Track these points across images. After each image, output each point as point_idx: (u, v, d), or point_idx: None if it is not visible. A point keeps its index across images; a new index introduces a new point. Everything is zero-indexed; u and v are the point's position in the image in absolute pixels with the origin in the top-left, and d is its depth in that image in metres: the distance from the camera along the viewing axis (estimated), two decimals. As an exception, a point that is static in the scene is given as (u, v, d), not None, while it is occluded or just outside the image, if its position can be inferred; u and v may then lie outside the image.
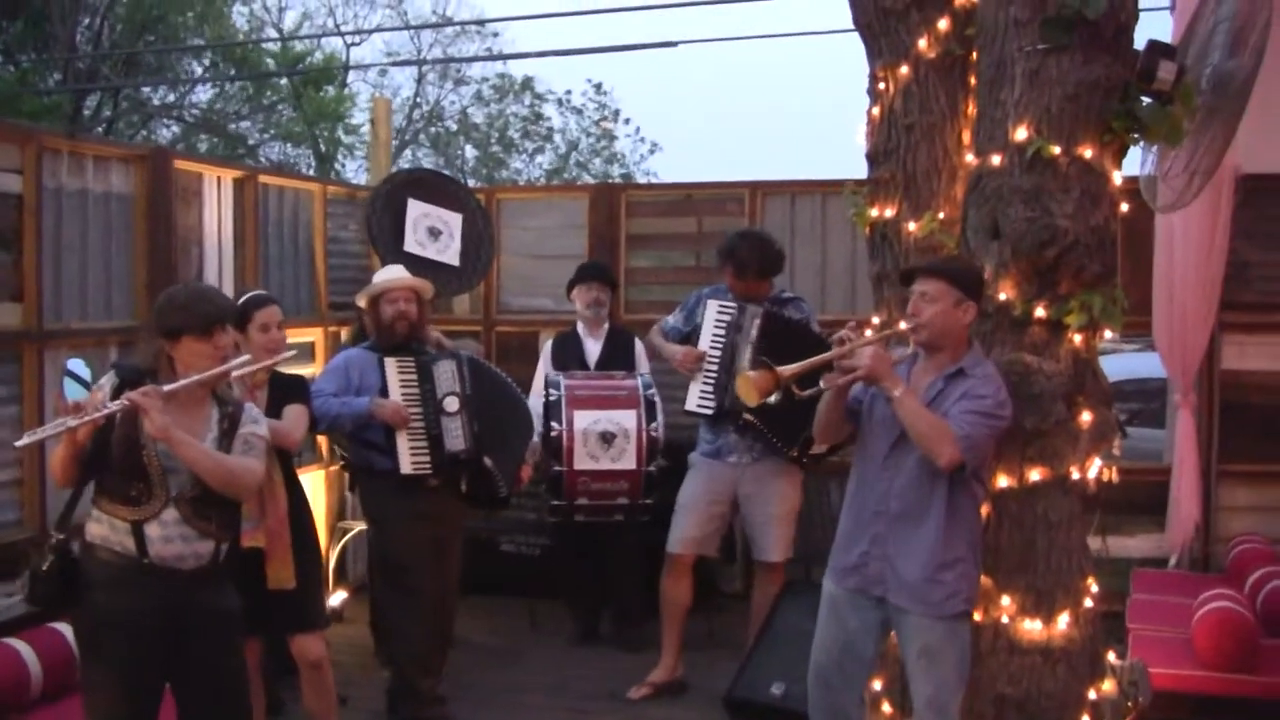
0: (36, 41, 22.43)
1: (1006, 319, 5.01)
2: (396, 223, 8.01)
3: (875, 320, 5.50)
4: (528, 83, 29.26)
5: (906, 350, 4.96)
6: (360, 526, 8.00)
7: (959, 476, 4.74)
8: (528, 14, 14.54)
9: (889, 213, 5.44)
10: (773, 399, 4.79)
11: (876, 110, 5.49)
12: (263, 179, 8.25)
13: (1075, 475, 5.06)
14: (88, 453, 4.39)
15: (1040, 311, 4.96)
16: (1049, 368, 4.96)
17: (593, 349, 7.95)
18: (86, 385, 7.91)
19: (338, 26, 28.85)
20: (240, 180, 7.95)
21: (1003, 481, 5.02)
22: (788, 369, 4.69)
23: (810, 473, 7.10)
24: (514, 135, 29.94)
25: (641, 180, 26.96)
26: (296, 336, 5.97)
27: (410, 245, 8.00)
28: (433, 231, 8.13)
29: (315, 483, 8.26)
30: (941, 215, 5.32)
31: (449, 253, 8.17)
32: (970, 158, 5.24)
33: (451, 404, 6.52)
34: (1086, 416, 5.06)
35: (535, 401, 7.65)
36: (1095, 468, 5.13)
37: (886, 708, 5.23)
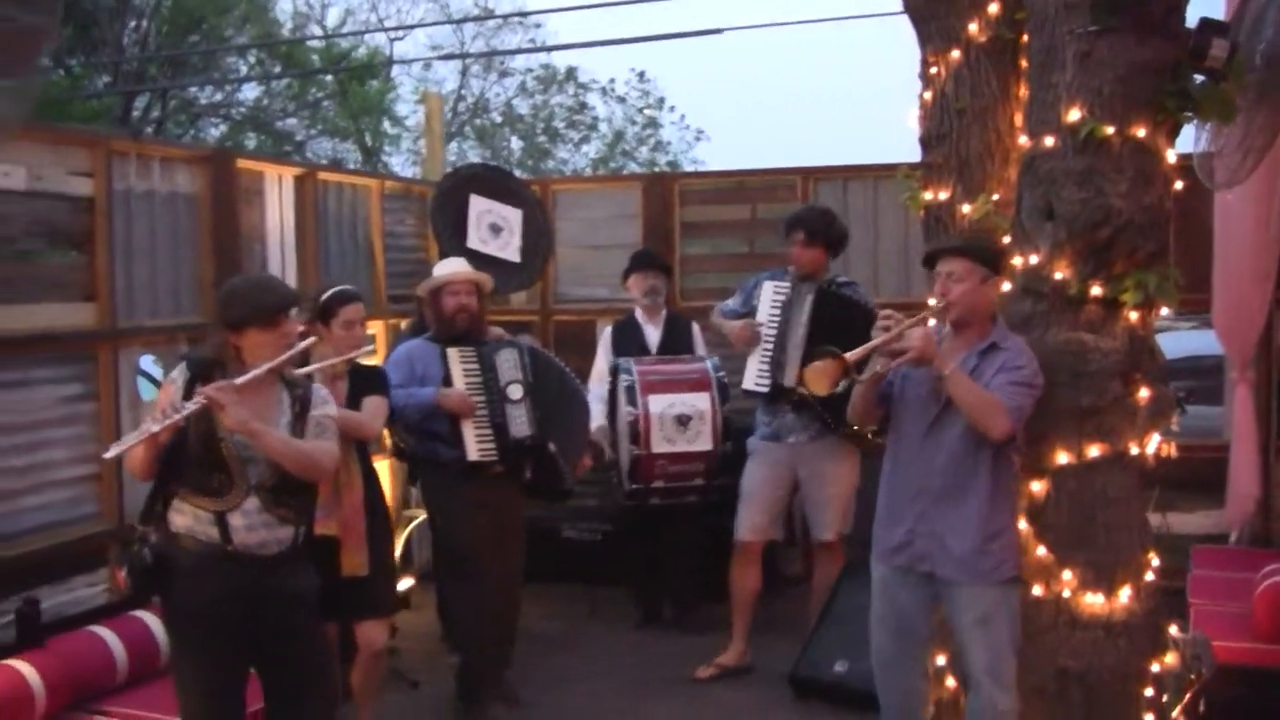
0: (85, 45, 22.66)
1: (1062, 298, 5.07)
2: (459, 219, 8.12)
3: (931, 302, 5.58)
4: (571, 73, 29.29)
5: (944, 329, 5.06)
6: (424, 515, 8.12)
7: (1001, 448, 4.90)
8: (569, 5, 14.57)
9: (943, 196, 5.52)
10: (841, 386, 4.84)
11: (929, 95, 5.56)
12: (321, 176, 8.39)
13: (1134, 451, 5.11)
14: (165, 448, 4.48)
15: (1096, 290, 5.01)
16: (1105, 345, 5.02)
17: (652, 335, 8.06)
18: (158, 383, 8.08)
19: (380, 21, 28.97)
20: (300, 178, 8.09)
21: (1061, 458, 5.08)
22: (852, 354, 4.77)
23: (869, 455, 7.18)
24: (559, 126, 29.97)
25: (688, 168, 26.99)
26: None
27: (473, 242, 8.12)
28: (494, 228, 8.24)
29: (380, 473, 8.37)
30: (995, 197, 5.38)
31: (510, 249, 8.27)
32: (1023, 140, 5.30)
33: (515, 391, 6.60)
34: (1144, 393, 5.11)
35: (598, 388, 7.78)
36: (1154, 444, 5.18)
37: (951, 682, 5.31)
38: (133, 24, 23.99)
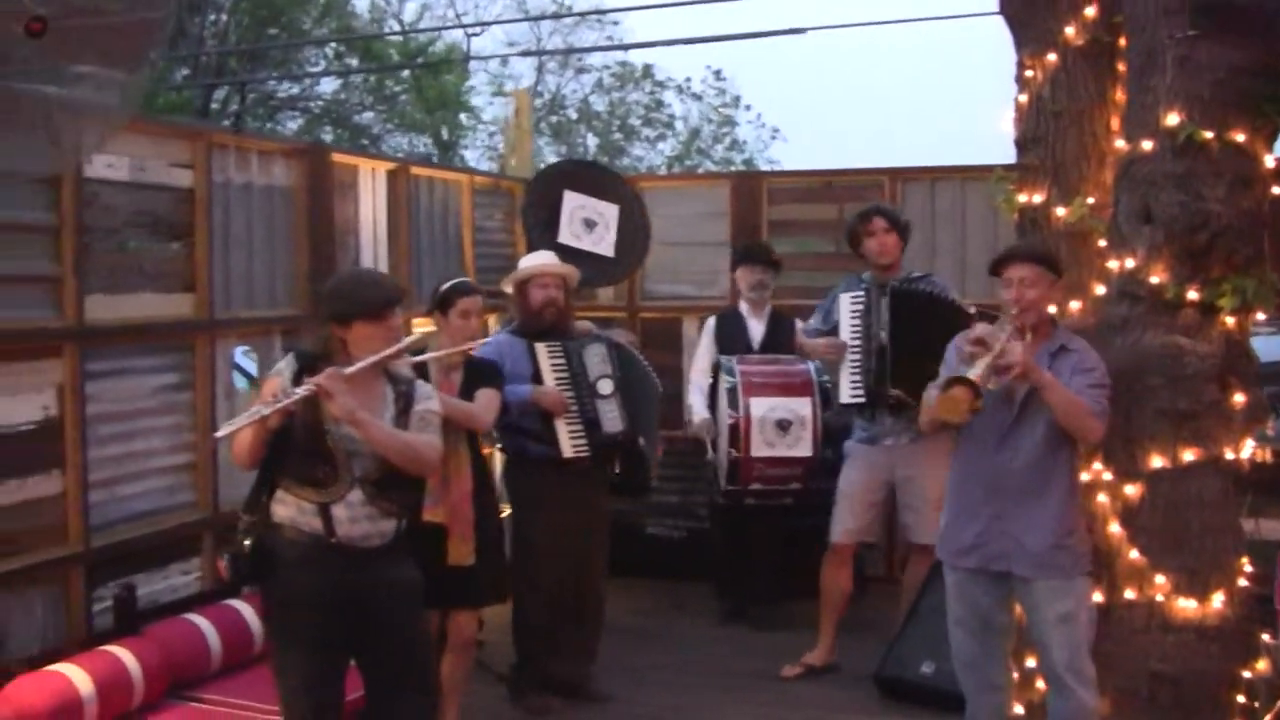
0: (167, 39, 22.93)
1: (1158, 302, 5.09)
2: (552, 215, 8.16)
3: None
4: (648, 70, 29.37)
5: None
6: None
7: (1075, 448, 4.98)
8: (647, 4, 14.56)
9: (1037, 198, 5.54)
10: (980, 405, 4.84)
11: (1024, 97, 5.58)
12: (414, 170, 8.45)
13: (1229, 456, 5.13)
14: (271, 437, 4.51)
15: (1192, 294, 5.04)
16: (1201, 349, 5.05)
17: (756, 330, 8.01)
18: (249, 376, 8.17)
19: (458, 17, 29.13)
20: (393, 172, 8.15)
21: (1156, 462, 5.11)
22: (977, 376, 4.74)
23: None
24: (635, 123, 30.05)
25: (764, 167, 26.94)
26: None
27: (565, 237, 8.15)
28: (588, 223, 8.26)
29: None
30: (1090, 200, 5.40)
31: (604, 244, 8.28)
32: (1119, 144, 5.32)
33: (605, 386, 6.61)
34: (1239, 397, 5.13)
35: (700, 379, 7.82)
36: (1249, 448, 5.19)
37: (1040, 685, 5.32)
38: (212, 18, 24.27)
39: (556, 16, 27.98)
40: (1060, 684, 4.97)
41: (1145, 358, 5.06)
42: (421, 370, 5.23)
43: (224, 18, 24.56)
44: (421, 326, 6.50)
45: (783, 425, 7.41)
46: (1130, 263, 5.14)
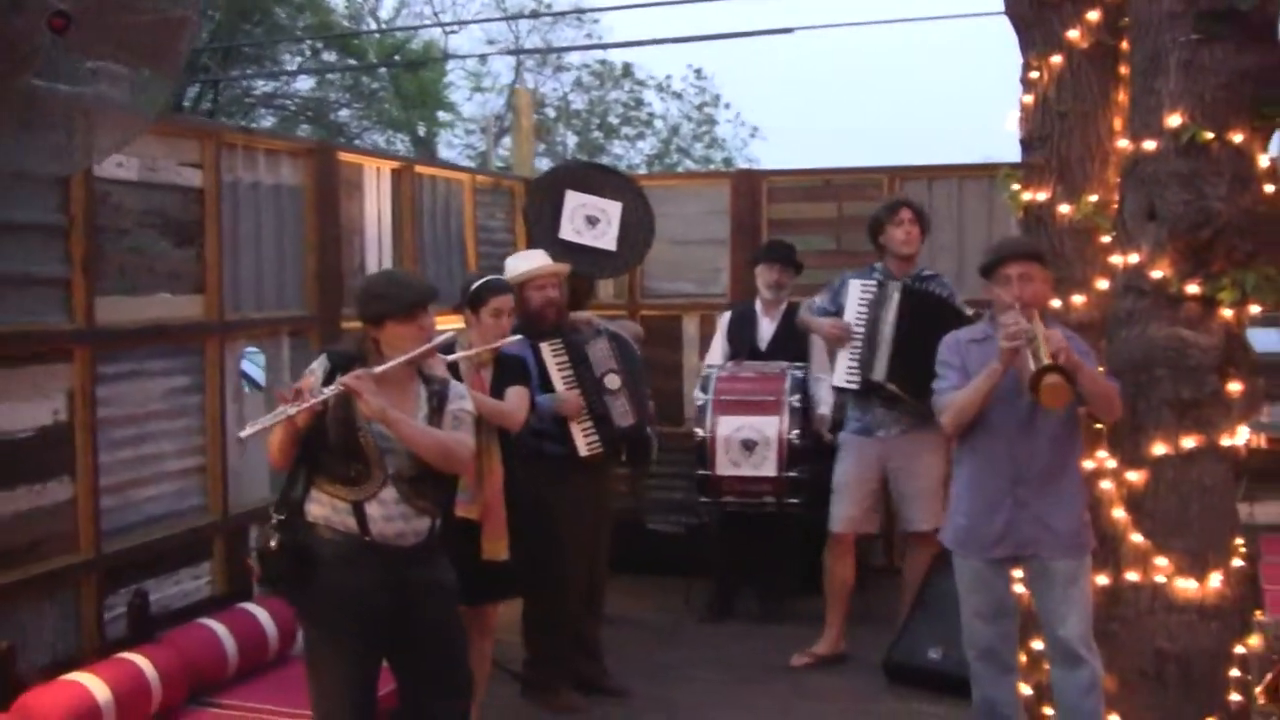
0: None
1: (1162, 296, 5.27)
2: (554, 213, 8.24)
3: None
4: (627, 69, 29.46)
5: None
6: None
7: (1081, 433, 5.23)
8: (626, 3, 14.67)
9: (1042, 196, 5.70)
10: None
11: (1030, 98, 5.74)
12: (418, 169, 8.49)
13: (1227, 442, 5.31)
14: (304, 435, 4.56)
15: (1194, 288, 5.21)
16: (1203, 341, 5.23)
17: (766, 330, 8.11)
18: (256, 385, 8.12)
19: (435, 15, 29.16)
20: (397, 171, 8.19)
21: (1159, 449, 5.28)
22: (1062, 361, 4.85)
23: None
24: (614, 121, 30.12)
25: (742, 165, 27.05)
26: (452, 323, 6.10)
27: (566, 233, 8.20)
28: (590, 220, 8.30)
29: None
30: (1094, 198, 5.58)
31: (605, 238, 8.31)
32: (1124, 143, 5.49)
33: (613, 381, 6.67)
34: (1236, 386, 5.31)
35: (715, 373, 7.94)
36: (1244, 435, 5.38)
37: (1047, 665, 5.49)
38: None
39: (535, 15, 28.04)
40: (1076, 658, 5.15)
41: (1151, 349, 5.24)
42: (453, 369, 5.29)
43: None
44: (443, 325, 6.57)
45: (748, 445, 7.53)
46: (1135, 258, 5.31)
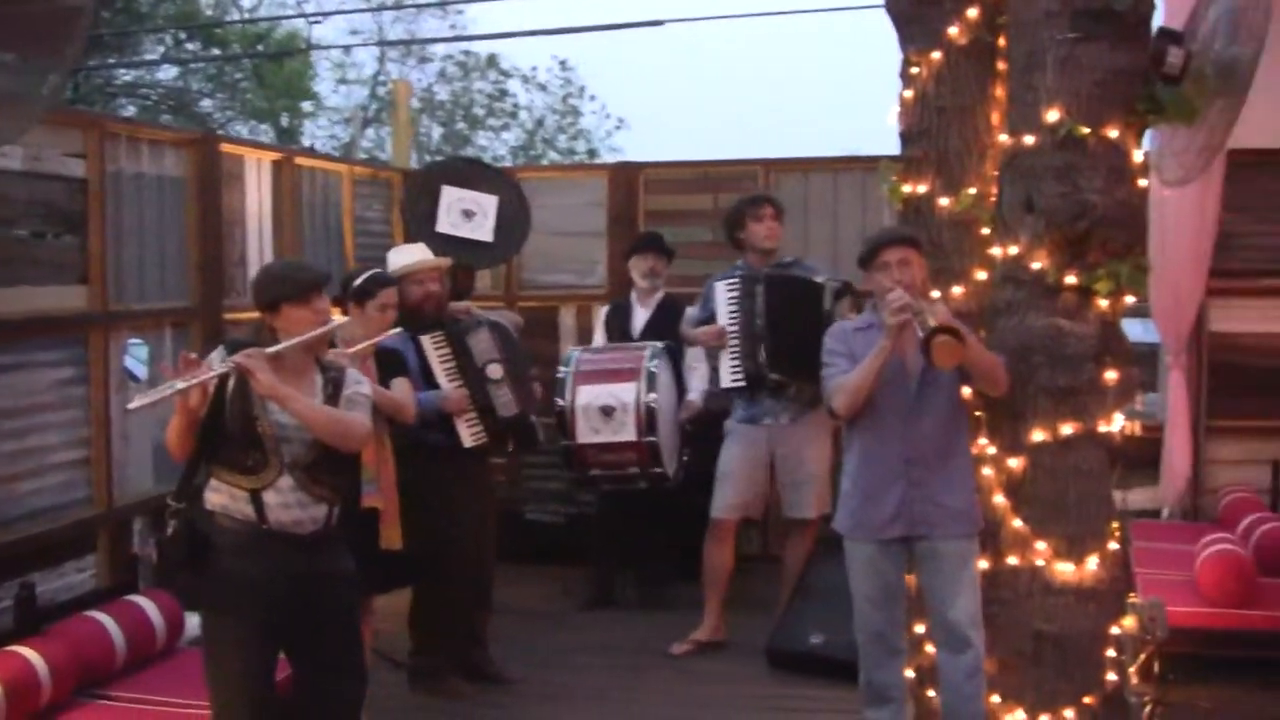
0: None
1: (1040, 286, 5.40)
2: (430, 207, 8.28)
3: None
4: (493, 60, 29.37)
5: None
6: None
7: (966, 408, 5.42)
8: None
9: (922, 189, 5.80)
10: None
11: (910, 93, 5.84)
12: (298, 161, 8.50)
13: (1104, 429, 5.47)
14: (202, 424, 4.56)
15: (1071, 279, 5.35)
16: (1080, 330, 5.37)
17: (640, 318, 8.24)
18: (137, 380, 8.07)
19: (299, 4, 28.84)
20: (278, 162, 8.20)
21: (1038, 435, 5.42)
22: (954, 324, 5.07)
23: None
24: (479, 112, 30.02)
25: (607, 157, 27.17)
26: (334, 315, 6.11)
27: (443, 227, 8.25)
28: (466, 213, 8.35)
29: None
30: (973, 191, 5.71)
31: (482, 230, 8.37)
32: (1002, 138, 5.61)
33: (495, 371, 6.73)
34: (1111, 375, 5.47)
35: None
36: (1120, 422, 5.56)
37: (930, 648, 5.64)
38: (45, -1, 23.61)
39: (399, 6, 27.83)
40: (963, 639, 5.30)
41: (1029, 338, 5.37)
42: None
43: (58, 2, 23.90)
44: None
45: (606, 411, 7.54)
46: (1014, 250, 5.43)
